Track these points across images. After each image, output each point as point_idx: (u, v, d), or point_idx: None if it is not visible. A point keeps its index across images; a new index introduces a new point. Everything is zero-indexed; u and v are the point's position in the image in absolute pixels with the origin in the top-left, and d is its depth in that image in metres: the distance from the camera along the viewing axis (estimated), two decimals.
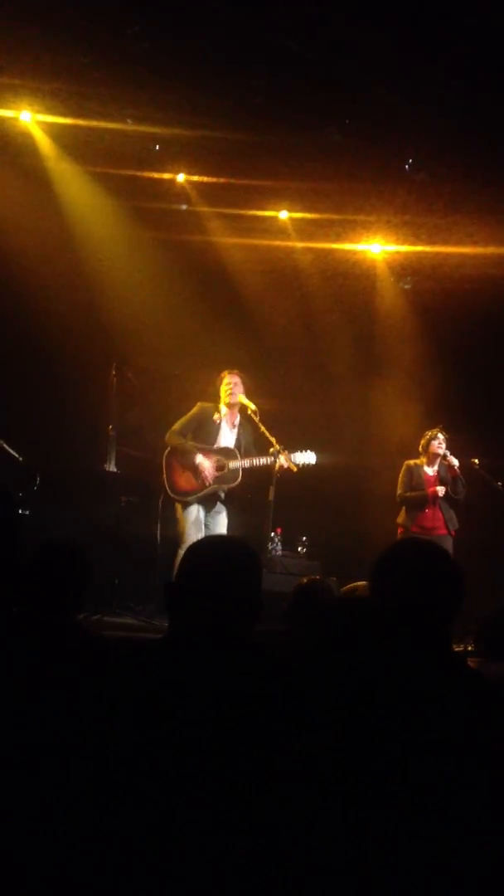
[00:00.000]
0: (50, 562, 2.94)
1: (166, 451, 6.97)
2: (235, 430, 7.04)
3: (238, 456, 6.91)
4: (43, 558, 2.95)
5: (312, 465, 7.03)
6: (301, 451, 7.01)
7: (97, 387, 7.73)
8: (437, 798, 1.46)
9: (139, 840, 1.63)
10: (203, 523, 6.91)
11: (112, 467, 7.47)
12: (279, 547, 7.98)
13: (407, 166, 8.02)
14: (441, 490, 7.53)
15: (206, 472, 6.84)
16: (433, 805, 1.46)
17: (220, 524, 6.96)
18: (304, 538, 8.44)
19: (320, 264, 9.24)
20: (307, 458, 7.01)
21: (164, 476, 6.93)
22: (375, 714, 1.51)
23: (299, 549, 8.36)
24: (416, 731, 1.48)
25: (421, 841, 1.44)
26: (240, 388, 7.01)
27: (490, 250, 8.56)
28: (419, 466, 7.69)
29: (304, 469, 7.03)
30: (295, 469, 6.94)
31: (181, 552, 6.63)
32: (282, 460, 6.85)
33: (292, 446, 7.02)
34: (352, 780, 1.49)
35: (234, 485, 6.88)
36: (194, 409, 7.03)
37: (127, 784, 1.68)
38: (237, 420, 7.06)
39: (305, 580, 3.88)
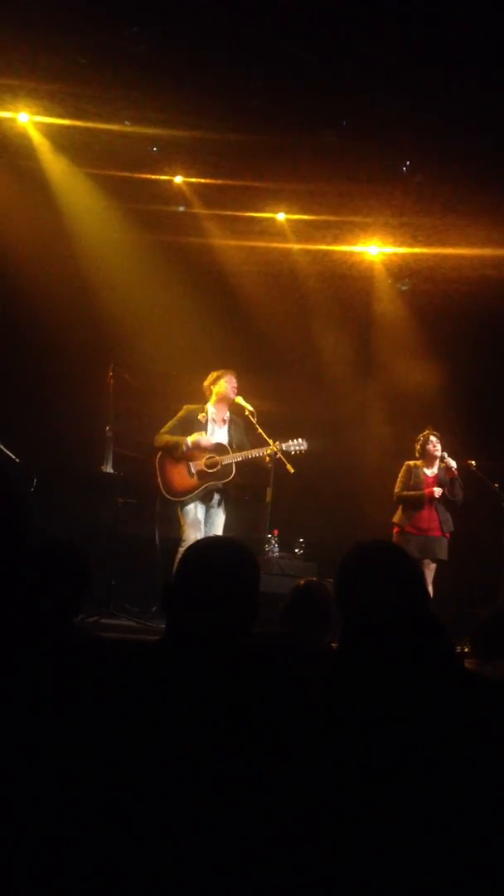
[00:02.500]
0: (49, 563, 2.94)
1: (158, 454, 6.98)
2: (226, 427, 7.05)
3: (230, 451, 6.92)
4: (42, 560, 2.95)
5: (304, 450, 7.05)
6: (293, 440, 7.04)
7: (94, 388, 7.73)
8: (438, 801, 1.46)
9: (138, 843, 1.63)
10: (202, 523, 6.91)
11: (109, 468, 7.47)
12: (276, 548, 7.98)
13: (404, 168, 8.03)
14: (438, 491, 7.55)
15: (205, 451, 6.81)
16: (434, 808, 1.46)
17: (218, 523, 6.96)
18: (301, 540, 8.44)
19: (318, 266, 9.25)
20: (299, 445, 7.04)
21: (158, 479, 6.93)
22: (374, 715, 1.51)
23: (296, 550, 8.36)
24: (415, 732, 1.48)
25: (421, 844, 1.44)
26: (237, 389, 7.04)
27: (487, 252, 8.57)
28: (419, 467, 7.71)
29: (300, 466, 7.04)
30: (292, 470, 6.96)
31: (182, 551, 6.63)
32: (282, 449, 6.89)
33: (285, 438, 7.04)
34: (351, 782, 1.50)
35: (227, 480, 6.89)
36: (181, 412, 7.04)
37: (125, 786, 1.68)
38: (226, 416, 7.07)
39: (302, 582, 3.88)
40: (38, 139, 7.89)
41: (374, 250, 9.23)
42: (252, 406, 7.09)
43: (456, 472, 7.58)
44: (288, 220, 8.91)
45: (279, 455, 6.94)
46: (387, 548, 2.45)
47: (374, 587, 2.17)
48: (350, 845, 1.46)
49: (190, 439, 6.84)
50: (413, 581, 2.26)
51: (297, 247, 9.11)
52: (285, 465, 6.96)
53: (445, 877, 1.44)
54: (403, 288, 9.53)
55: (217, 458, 6.88)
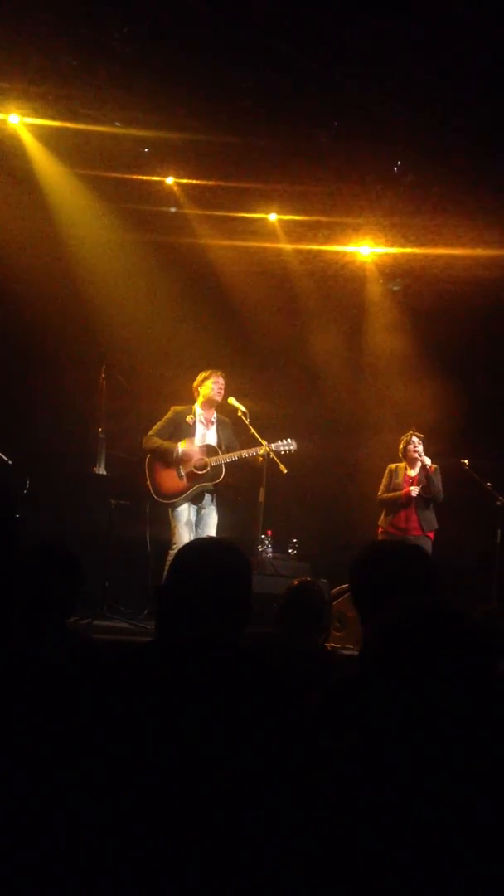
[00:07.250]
0: (41, 565, 2.94)
1: (147, 456, 6.98)
2: (214, 427, 7.05)
3: (219, 452, 6.92)
4: (34, 562, 2.95)
5: (294, 450, 7.06)
6: (283, 440, 7.05)
7: (87, 389, 7.73)
8: (443, 804, 1.46)
9: (131, 843, 1.62)
10: (194, 524, 6.91)
11: (102, 470, 7.46)
12: (269, 549, 7.99)
13: (395, 168, 8.04)
14: (414, 490, 7.53)
15: (194, 457, 6.83)
16: (439, 811, 1.45)
17: (210, 524, 6.96)
18: (295, 540, 8.45)
19: (310, 266, 9.25)
20: (288, 445, 7.05)
21: (148, 481, 6.94)
22: (371, 714, 1.51)
23: (289, 550, 8.36)
24: (420, 733, 1.47)
25: (425, 851, 1.43)
26: (223, 391, 7.03)
27: (478, 251, 8.59)
28: (400, 469, 7.73)
29: (293, 467, 7.05)
30: (285, 471, 6.97)
31: (173, 553, 6.63)
32: (271, 449, 6.90)
33: (274, 438, 7.05)
34: (346, 783, 1.49)
35: (217, 481, 6.90)
36: (168, 414, 7.04)
37: (117, 787, 1.68)
38: (214, 417, 7.06)
39: (296, 582, 3.89)
40: (29, 141, 7.88)
41: (365, 250, 9.24)
42: (244, 407, 7.09)
43: (431, 469, 7.56)
44: (280, 221, 8.91)
45: (271, 455, 6.96)
46: (395, 549, 2.41)
47: (399, 588, 2.15)
48: (347, 848, 1.45)
49: (180, 447, 6.84)
50: (437, 583, 2.23)
51: (288, 247, 9.11)
52: (278, 465, 6.98)
53: (453, 877, 1.43)
54: (395, 288, 9.55)
55: (206, 459, 6.88)
